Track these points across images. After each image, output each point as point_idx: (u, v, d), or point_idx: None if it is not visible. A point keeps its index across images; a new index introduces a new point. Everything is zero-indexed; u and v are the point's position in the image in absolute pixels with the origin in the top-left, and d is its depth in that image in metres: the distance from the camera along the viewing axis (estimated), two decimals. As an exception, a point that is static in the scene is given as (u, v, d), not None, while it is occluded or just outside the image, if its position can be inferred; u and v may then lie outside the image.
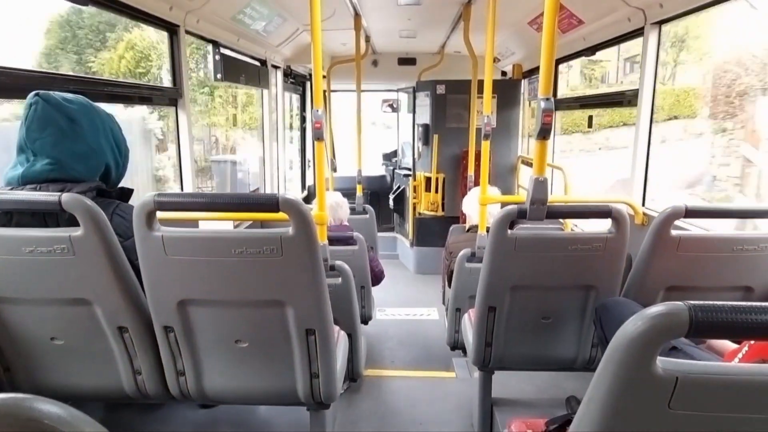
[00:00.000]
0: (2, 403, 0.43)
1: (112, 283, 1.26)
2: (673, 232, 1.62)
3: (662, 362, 0.67)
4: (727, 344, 1.36)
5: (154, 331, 1.36)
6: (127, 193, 1.41)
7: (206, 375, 1.44)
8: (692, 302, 0.64)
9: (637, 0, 2.37)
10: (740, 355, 1.08)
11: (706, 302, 0.64)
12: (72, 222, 1.19)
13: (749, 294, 1.68)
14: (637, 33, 2.54)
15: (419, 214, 4.90)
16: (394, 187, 5.71)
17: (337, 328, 1.81)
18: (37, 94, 1.25)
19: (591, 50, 3.13)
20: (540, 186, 1.61)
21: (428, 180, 4.75)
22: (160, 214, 1.27)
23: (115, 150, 1.37)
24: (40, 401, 0.44)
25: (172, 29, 2.35)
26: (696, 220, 2.14)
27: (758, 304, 0.63)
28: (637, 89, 2.57)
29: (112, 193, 1.35)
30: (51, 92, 1.26)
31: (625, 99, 2.91)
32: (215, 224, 2.53)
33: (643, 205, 2.60)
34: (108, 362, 1.40)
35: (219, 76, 2.88)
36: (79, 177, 1.28)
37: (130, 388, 1.44)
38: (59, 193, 1.16)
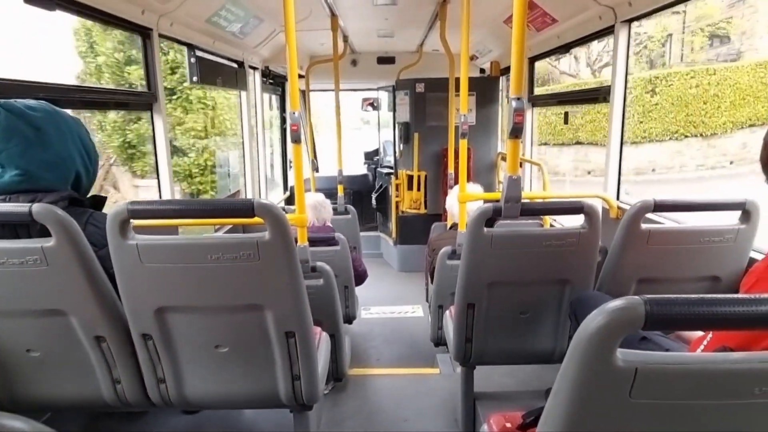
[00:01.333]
0: None
1: (87, 293, 1.25)
2: (644, 226, 1.67)
3: (622, 354, 0.69)
4: (694, 332, 1.41)
5: (132, 339, 1.36)
6: (101, 201, 1.40)
7: (187, 381, 1.44)
8: (648, 296, 0.67)
9: None
10: (704, 343, 1.13)
11: (661, 296, 0.67)
12: (44, 233, 1.18)
13: (716, 283, 1.74)
14: (608, 31, 2.60)
15: (402, 212, 4.92)
16: (377, 186, 5.73)
17: (319, 329, 1.82)
18: None
19: (565, 48, 3.19)
20: (514, 184, 1.65)
21: (410, 178, 4.77)
22: (136, 221, 1.27)
23: (85, 156, 1.35)
24: (5, 417, 0.45)
25: (144, 33, 2.32)
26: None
27: (710, 296, 0.66)
28: (610, 86, 2.62)
29: (84, 202, 1.33)
30: (12, 101, 1.23)
31: (599, 95, 2.97)
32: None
33: (618, 199, 2.66)
34: (86, 372, 1.39)
35: (195, 78, 2.85)
36: (49, 186, 1.26)
37: (110, 398, 1.43)
38: (30, 204, 1.15)
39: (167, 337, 1.36)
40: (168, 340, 1.37)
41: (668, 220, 2.24)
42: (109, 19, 2.06)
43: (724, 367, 0.69)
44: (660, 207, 1.65)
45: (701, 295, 0.66)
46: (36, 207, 1.14)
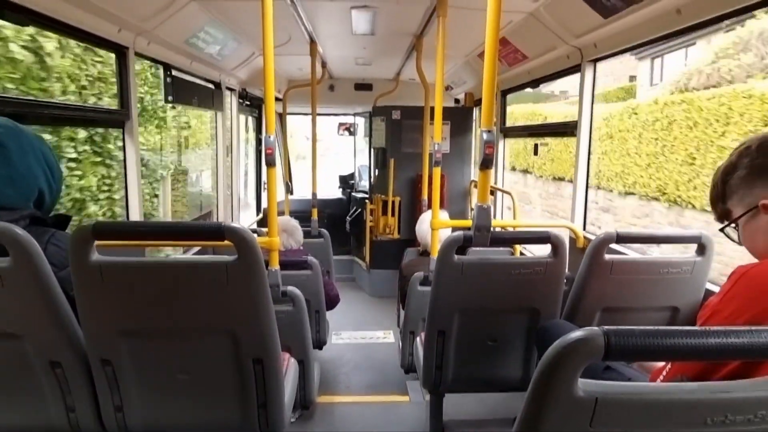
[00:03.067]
0: None
1: (44, 315, 1.20)
2: (607, 257, 1.73)
3: (583, 384, 0.71)
4: (656, 363, 1.45)
5: (89, 365, 1.30)
6: (64, 221, 1.36)
7: (147, 409, 1.38)
8: (608, 327, 0.69)
9: (574, 40, 2.56)
10: (664, 373, 1.16)
11: (621, 327, 0.69)
12: (1, 252, 1.14)
13: (676, 313, 1.81)
14: (575, 69, 2.74)
15: (376, 237, 4.93)
16: (351, 210, 5.74)
17: (287, 355, 1.79)
18: None
19: (535, 83, 3.33)
20: (484, 213, 1.68)
21: (385, 203, 4.80)
22: (103, 242, 1.23)
23: (48, 174, 1.31)
24: None
25: (120, 51, 2.30)
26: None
27: (666, 328, 0.69)
28: (576, 120, 2.74)
29: (47, 221, 1.29)
30: None
31: (568, 129, 3.10)
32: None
33: (584, 229, 2.75)
34: (37, 400, 1.32)
35: (170, 98, 2.83)
36: (9, 204, 1.21)
37: (62, 427, 1.36)
38: None
39: (127, 362, 1.31)
40: (128, 366, 1.32)
41: (632, 252, 2.32)
42: (84, 37, 2.04)
43: (678, 397, 0.72)
44: (622, 239, 1.71)
45: (658, 327, 0.69)
46: None
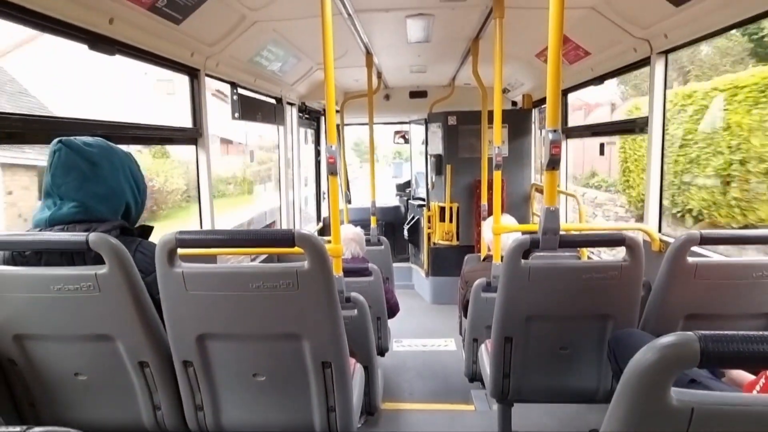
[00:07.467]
0: None
1: (134, 318, 1.30)
2: (690, 260, 1.61)
3: (677, 393, 0.66)
4: (747, 376, 1.33)
5: (173, 365, 1.39)
6: (148, 230, 1.47)
7: (224, 409, 1.45)
8: (703, 332, 0.64)
9: (641, 31, 2.42)
10: (758, 387, 1.06)
11: (717, 332, 0.64)
12: (97, 260, 1.25)
13: None
14: (644, 62, 2.58)
15: (434, 243, 4.90)
16: (409, 218, 5.75)
17: (353, 360, 1.81)
18: (60, 141, 1.32)
19: (599, 80, 3.18)
20: (551, 216, 1.63)
21: (442, 210, 4.77)
22: (180, 250, 1.32)
23: (134, 188, 1.44)
24: None
25: (192, 73, 2.47)
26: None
27: None
28: (647, 117, 2.59)
29: (134, 231, 1.41)
30: (72, 138, 1.33)
31: (636, 126, 2.93)
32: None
33: (660, 231, 2.57)
34: (129, 397, 1.43)
35: (237, 115, 2.99)
36: (102, 217, 1.34)
37: (150, 424, 1.46)
38: (86, 233, 1.22)
39: (207, 364, 1.39)
40: (208, 367, 1.39)
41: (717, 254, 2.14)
42: (162, 62, 2.21)
43: None
44: (707, 240, 1.59)
45: (762, 333, 0.63)
46: (92, 236, 1.21)
